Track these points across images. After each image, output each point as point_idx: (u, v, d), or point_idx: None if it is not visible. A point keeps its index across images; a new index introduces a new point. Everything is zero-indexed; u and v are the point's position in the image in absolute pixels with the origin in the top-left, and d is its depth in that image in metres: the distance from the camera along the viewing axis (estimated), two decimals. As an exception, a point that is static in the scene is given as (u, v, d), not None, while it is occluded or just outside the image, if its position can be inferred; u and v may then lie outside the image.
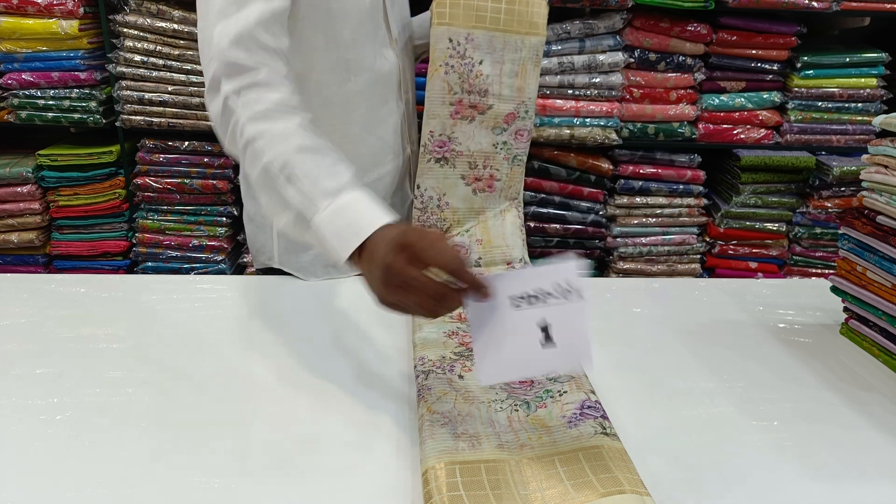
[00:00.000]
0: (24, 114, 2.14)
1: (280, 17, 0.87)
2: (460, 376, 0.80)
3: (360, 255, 0.70)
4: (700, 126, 2.22)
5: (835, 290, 0.99)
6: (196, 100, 2.13)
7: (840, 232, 0.97)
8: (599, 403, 0.74)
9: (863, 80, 2.18)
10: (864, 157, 0.93)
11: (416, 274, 0.63)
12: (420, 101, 1.17)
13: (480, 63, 1.12)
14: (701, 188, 2.29)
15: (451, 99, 1.13)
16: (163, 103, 2.13)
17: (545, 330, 0.64)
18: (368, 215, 0.71)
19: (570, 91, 2.15)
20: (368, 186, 0.94)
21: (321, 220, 0.72)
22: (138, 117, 2.14)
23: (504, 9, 1.10)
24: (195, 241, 2.30)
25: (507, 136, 1.16)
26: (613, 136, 2.17)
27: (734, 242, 2.33)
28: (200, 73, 2.17)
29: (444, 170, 1.16)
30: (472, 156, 1.16)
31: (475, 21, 1.10)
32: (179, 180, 2.24)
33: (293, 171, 0.75)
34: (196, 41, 2.06)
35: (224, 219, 2.30)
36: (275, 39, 0.84)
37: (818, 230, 2.31)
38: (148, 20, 2.05)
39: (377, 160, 1.16)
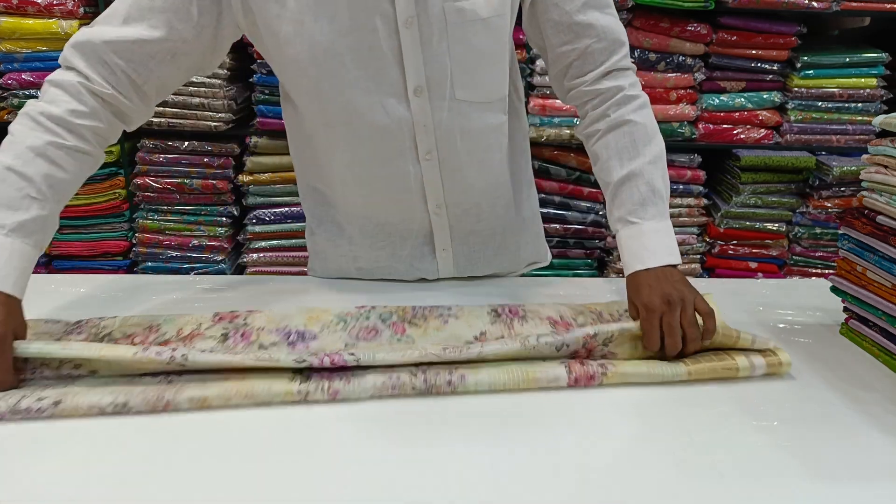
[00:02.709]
0: (24, 114, 2.15)
1: (145, 45, 0.84)
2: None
3: None
4: (700, 126, 2.22)
5: (835, 290, 0.99)
6: (196, 100, 2.13)
7: (840, 232, 0.97)
8: None
9: (863, 80, 2.18)
10: (864, 157, 0.93)
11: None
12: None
13: None
14: (701, 188, 2.29)
15: None
16: (163, 103, 2.13)
17: None
18: None
19: (570, 91, 2.15)
20: (392, 240, 1.06)
21: None
22: (138, 117, 2.14)
23: None
24: (195, 241, 2.31)
25: None
26: (613, 136, 2.17)
27: (734, 242, 2.33)
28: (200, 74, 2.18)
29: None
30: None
31: None
32: (179, 180, 2.24)
33: None
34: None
35: (224, 219, 2.30)
36: (124, 61, 0.84)
37: (818, 230, 2.31)
38: (148, 20, 2.05)
39: (380, 215, 1.04)
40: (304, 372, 0.77)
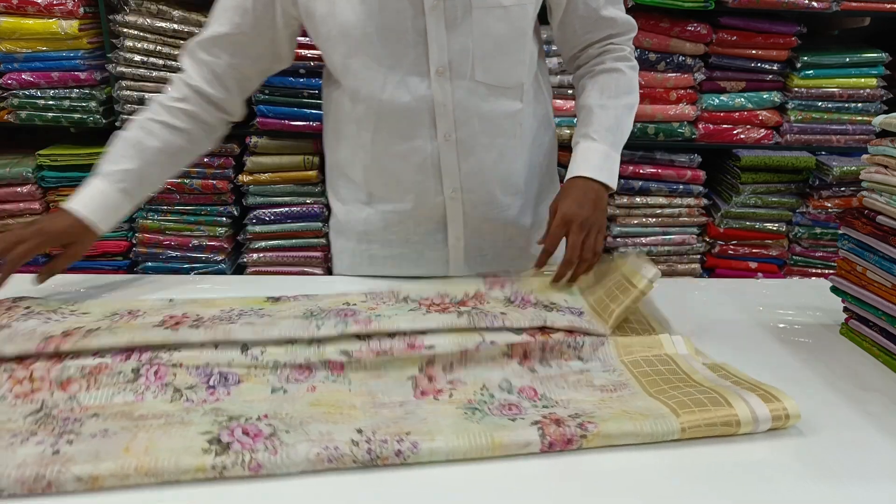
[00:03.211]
0: (24, 114, 2.14)
1: (218, 40, 1.02)
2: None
3: None
4: (700, 126, 2.22)
5: (835, 290, 0.99)
6: (196, 100, 2.13)
7: (840, 232, 0.97)
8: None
9: (863, 80, 2.18)
10: (864, 157, 0.93)
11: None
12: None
13: None
14: (701, 188, 2.29)
15: None
16: (163, 103, 2.13)
17: None
18: (75, 198, 0.98)
19: (570, 91, 2.16)
20: (405, 222, 1.10)
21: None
22: (138, 117, 2.14)
23: None
24: (195, 241, 2.30)
25: None
26: (613, 136, 2.17)
27: (734, 242, 2.33)
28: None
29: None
30: None
31: None
32: (179, 180, 2.24)
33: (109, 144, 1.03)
34: (196, 41, 2.08)
35: (224, 219, 2.29)
36: (208, 56, 1.04)
37: (818, 230, 2.31)
38: (148, 20, 2.05)
39: (396, 193, 1.08)
40: (220, 440, 0.67)
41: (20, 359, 0.78)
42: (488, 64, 0.99)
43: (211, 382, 0.77)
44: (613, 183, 1.05)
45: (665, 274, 2.37)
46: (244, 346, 0.81)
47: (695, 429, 0.71)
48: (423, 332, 0.83)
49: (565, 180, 1.05)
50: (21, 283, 1.09)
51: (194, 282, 1.12)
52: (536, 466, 0.68)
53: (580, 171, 1.04)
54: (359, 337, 0.83)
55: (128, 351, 0.79)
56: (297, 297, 0.98)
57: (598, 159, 1.04)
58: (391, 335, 0.83)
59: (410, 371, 0.81)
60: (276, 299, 0.97)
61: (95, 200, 0.98)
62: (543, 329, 0.87)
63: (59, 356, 0.78)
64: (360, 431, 0.68)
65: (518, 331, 0.86)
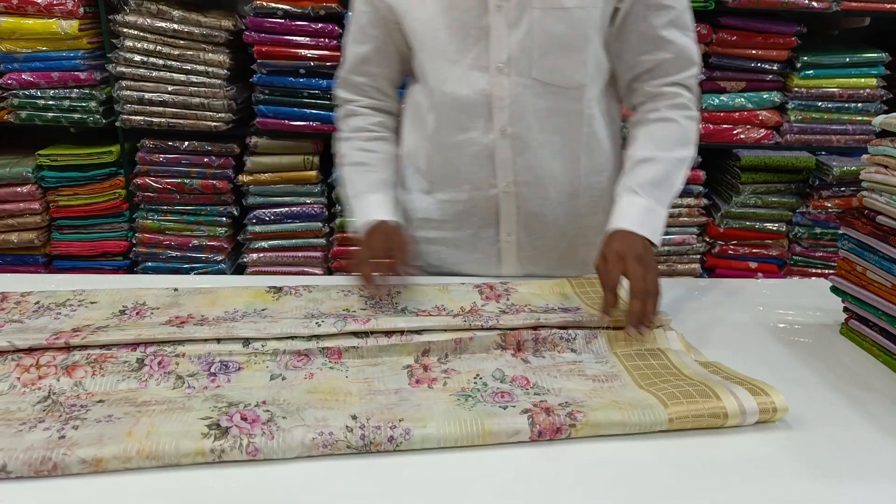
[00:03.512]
0: (24, 114, 2.15)
1: (366, 58, 1.12)
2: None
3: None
4: (700, 126, 2.21)
5: (835, 290, 0.99)
6: (196, 100, 2.13)
7: (840, 232, 0.97)
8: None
9: (863, 80, 2.18)
10: (864, 157, 0.93)
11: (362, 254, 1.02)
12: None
13: None
14: (701, 188, 2.29)
15: None
16: (163, 103, 2.13)
17: None
18: (364, 213, 1.10)
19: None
20: (459, 213, 1.14)
21: (350, 209, 1.14)
22: (138, 117, 2.14)
23: None
24: (195, 241, 2.31)
25: None
26: (613, 136, 2.17)
27: (734, 242, 2.33)
28: (200, 74, 2.19)
29: None
30: None
31: None
32: (179, 180, 2.24)
33: (343, 179, 1.17)
34: (195, 40, 2.08)
35: (224, 219, 2.30)
36: (362, 77, 1.14)
37: (818, 230, 2.31)
38: (148, 20, 2.05)
39: (453, 183, 1.11)
40: (219, 425, 0.68)
41: (29, 350, 0.80)
42: (547, 63, 1.01)
43: (212, 370, 0.79)
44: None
45: (665, 274, 2.37)
46: (246, 342, 0.83)
47: (682, 420, 0.71)
48: (419, 332, 0.86)
49: (606, 232, 0.99)
50: (27, 281, 1.09)
51: (194, 282, 1.12)
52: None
53: (619, 224, 0.98)
54: (357, 336, 0.85)
55: (133, 344, 0.81)
56: (298, 292, 1.00)
57: (640, 213, 0.99)
58: (388, 334, 0.85)
59: (406, 360, 0.83)
60: (279, 289, 1.00)
61: (387, 206, 1.10)
62: (537, 328, 0.89)
63: (67, 349, 0.80)
64: (354, 417, 0.69)
65: (512, 329, 0.88)
